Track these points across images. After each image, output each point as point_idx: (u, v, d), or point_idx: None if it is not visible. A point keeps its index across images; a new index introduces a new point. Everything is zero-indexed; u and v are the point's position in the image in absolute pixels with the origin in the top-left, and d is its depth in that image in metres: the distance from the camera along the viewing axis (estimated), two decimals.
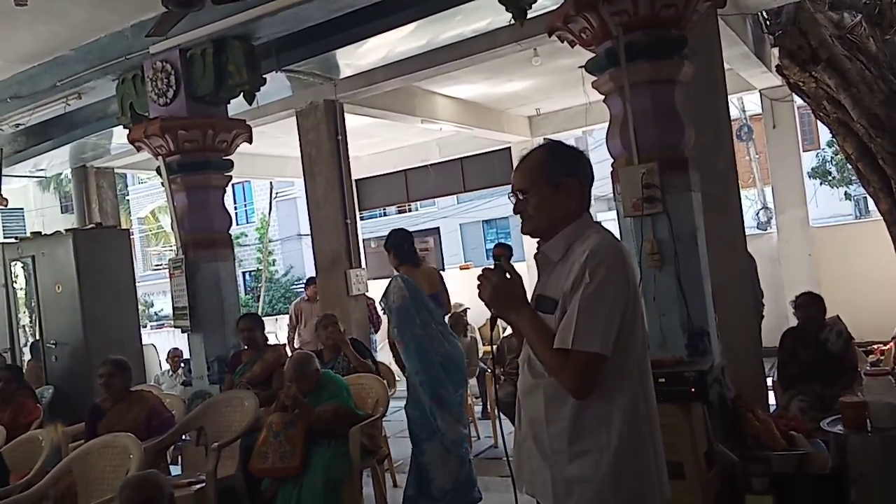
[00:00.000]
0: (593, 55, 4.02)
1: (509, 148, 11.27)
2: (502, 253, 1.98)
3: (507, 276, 1.94)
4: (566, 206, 1.94)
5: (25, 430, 4.88)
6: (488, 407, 6.95)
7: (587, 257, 1.82)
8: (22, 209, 17.18)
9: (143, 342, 7.42)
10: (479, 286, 1.94)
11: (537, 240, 2.03)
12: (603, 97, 4.07)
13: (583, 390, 1.81)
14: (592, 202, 2.08)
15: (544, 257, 1.98)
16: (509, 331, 7.17)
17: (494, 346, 6.20)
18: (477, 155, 11.74)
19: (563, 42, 4.19)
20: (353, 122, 8.06)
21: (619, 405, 1.84)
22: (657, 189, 3.76)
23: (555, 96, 9.58)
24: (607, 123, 4.08)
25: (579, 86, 7.20)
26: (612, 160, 4.04)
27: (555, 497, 1.87)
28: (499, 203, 21.31)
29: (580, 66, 4.35)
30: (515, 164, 2.05)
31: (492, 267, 1.96)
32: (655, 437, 1.93)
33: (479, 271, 1.97)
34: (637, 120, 3.81)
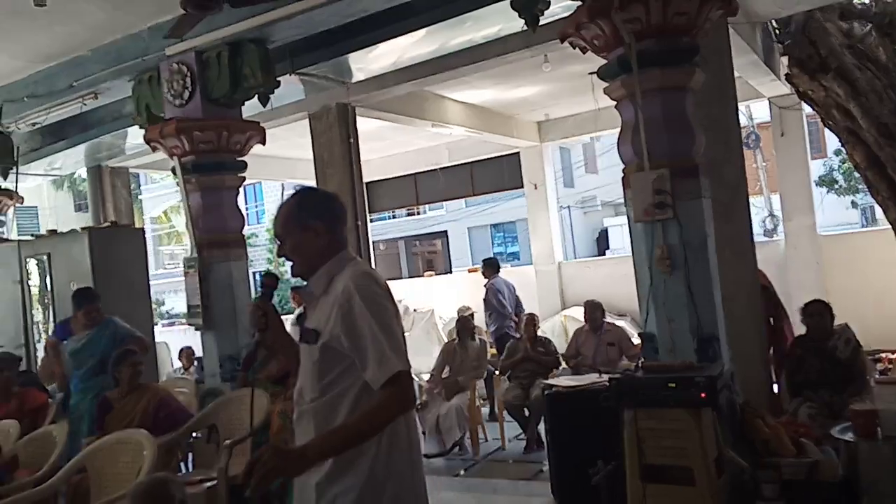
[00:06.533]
0: (605, 62, 4.06)
1: (518, 153, 11.31)
2: (271, 284, 2.20)
3: (271, 444, 2.01)
4: (316, 245, 2.11)
5: (33, 416, 4.88)
6: (496, 409, 6.98)
7: (356, 287, 1.98)
8: (36, 207, 17.31)
9: (157, 340, 7.48)
10: (261, 480, 1.77)
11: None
12: (614, 103, 4.11)
13: (412, 402, 2.03)
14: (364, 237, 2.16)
15: (308, 294, 2.13)
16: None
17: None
18: (486, 159, 11.81)
19: (574, 49, 4.24)
20: (364, 125, 8.10)
21: None
22: (668, 195, 3.79)
23: (564, 102, 9.60)
24: (618, 130, 4.11)
25: (588, 92, 7.22)
26: (622, 166, 4.07)
27: None
28: (507, 207, 21.28)
29: (591, 73, 4.39)
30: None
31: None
32: (412, 439, 2.05)
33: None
34: (648, 126, 3.84)
